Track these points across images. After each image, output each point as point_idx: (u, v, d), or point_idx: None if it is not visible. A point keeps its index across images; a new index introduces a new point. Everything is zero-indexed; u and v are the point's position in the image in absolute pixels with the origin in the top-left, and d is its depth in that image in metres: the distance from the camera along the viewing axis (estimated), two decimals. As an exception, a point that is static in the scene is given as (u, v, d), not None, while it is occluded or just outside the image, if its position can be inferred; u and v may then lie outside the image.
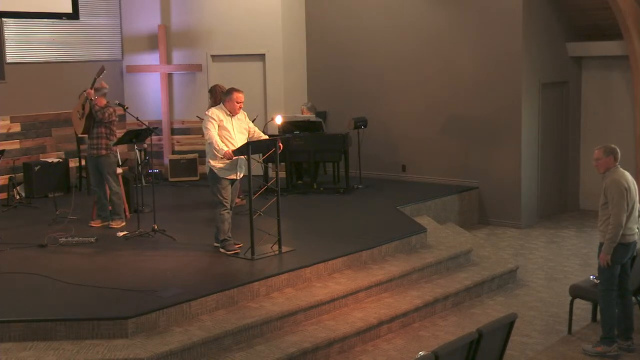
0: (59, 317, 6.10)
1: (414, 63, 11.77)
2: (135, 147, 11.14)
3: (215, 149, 7.62)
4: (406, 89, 11.89)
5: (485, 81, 11.08)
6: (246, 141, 7.65)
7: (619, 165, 6.53)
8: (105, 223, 9.15)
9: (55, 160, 11.20)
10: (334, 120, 12.50)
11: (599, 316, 6.93)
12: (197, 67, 12.37)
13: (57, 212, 9.46)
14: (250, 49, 12.39)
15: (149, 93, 12.50)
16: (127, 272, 7.35)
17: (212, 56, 12.42)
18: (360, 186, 11.32)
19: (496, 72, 10.97)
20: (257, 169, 9.66)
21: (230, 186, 7.85)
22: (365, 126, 11.37)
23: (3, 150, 9.30)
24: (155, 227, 8.53)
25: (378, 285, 7.57)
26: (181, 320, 6.40)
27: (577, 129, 11.88)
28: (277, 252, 7.79)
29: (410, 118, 11.89)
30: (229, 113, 7.75)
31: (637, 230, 6.56)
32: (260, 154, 7.96)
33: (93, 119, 8.86)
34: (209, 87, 10.04)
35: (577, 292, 7.16)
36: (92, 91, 8.86)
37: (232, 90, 7.79)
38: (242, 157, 7.65)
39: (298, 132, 10.97)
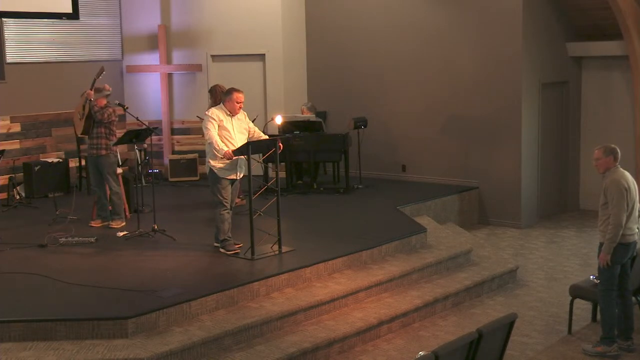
0: (59, 317, 6.10)
1: (414, 63, 11.77)
2: (135, 147, 11.14)
3: (215, 149, 7.62)
4: (406, 89, 11.90)
5: (485, 81, 11.08)
6: (246, 141, 7.65)
7: (619, 165, 6.53)
8: (105, 223, 9.15)
9: (55, 160, 11.20)
10: (334, 120, 12.50)
11: (599, 316, 6.93)
12: (197, 67, 12.37)
13: (57, 212, 9.46)
14: (250, 49, 12.39)
15: (149, 93, 12.50)
16: (127, 272, 7.35)
17: (212, 56, 12.42)
18: (360, 186, 11.32)
19: (496, 72, 10.97)
20: (257, 169, 9.66)
21: (230, 186, 7.85)
22: (365, 126, 11.37)
23: (3, 150, 9.30)
24: (155, 227, 8.53)
25: (378, 285, 7.57)
26: (181, 320, 6.40)
27: (577, 129, 11.88)
28: (277, 252, 7.79)
29: (410, 118, 11.89)
30: (229, 113, 7.75)
31: (637, 230, 6.56)
32: (260, 154, 7.96)
33: (93, 120, 8.86)
34: (209, 87, 10.04)
35: (577, 292, 7.16)
36: (92, 92, 8.86)
37: (232, 90, 7.79)
38: (242, 157, 7.65)
39: (298, 132, 10.97)
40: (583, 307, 7.56)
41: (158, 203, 9.08)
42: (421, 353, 4.90)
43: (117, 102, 9.36)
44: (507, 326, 5.27)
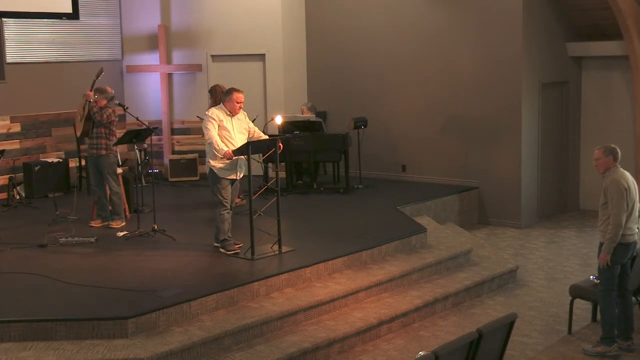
0: (59, 317, 6.10)
1: (414, 63, 11.77)
2: (135, 147, 11.14)
3: (215, 149, 7.62)
4: (406, 89, 11.90)
5: (485, 81, 11.08)
6: (246, 141, 7.65)
7: (619, 165, 6.53)
8: (105, 223, 9.15)
9: (55, 160, 11.20)
10: (334, 120, 12.50)
11: (599, 316, 6.93)
12: (197, 67, 12.37)
13: (57, 212, 9.46)
14: (250, 49, 12.39)
15: (149, 93, 12.50)
16: (127, 272, 7.35)
17: (212, 56, 12.42)
18: (360, 186, 11.32)
19: (496, 72, 10.97)
20: (257, 169, 9.66)
21: (230, 186, 7.85)
22: (365, 126, 11.37)
23: (3, 150, 9.30)
24: (155, 227, 8.53)
25: (378, 285, 7.57)
26: (181, 320, 6.40)
27: (577, 129, 11.88)
28: (277, 252, 7.79)
29: (410, 118, 11.89)
30: (229, 113, 7.75)
31: (637, 230, 6.56)
32: (260, 154, 7.96)
33: (92, 121, 8.86)
34: (209, 87, 10.04)
35: (577, 292, 7.16)
36: (91, 93, 8.86)
37: (232, 90, 7.79)
38: (242, 157, 7.65)
39: (298, 132, 10.97)
40: (583, 307, 7.56)
41: (158, 203, 9.08)
42: (421, 353, 4.90)
43: (117, 102, 9.35)
44: (507, 326, 5.27)
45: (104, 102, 8.95)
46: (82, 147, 10.94)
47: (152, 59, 12.37)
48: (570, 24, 11.47)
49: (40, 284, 6.96)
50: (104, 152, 8.90)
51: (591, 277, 7.15)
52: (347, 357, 6.61)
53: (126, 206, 9.50)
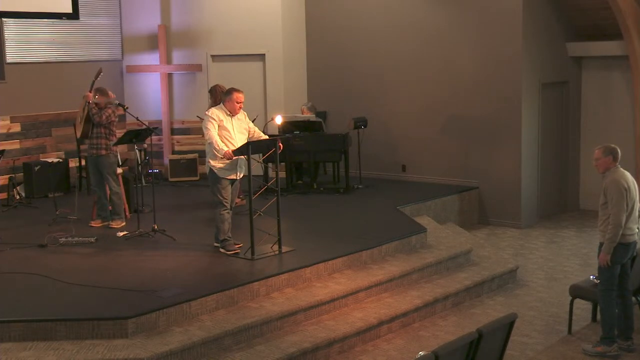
0: (59, 317, 6.10)
1: (414, 63, 11.77)
2: (135, 147, 11.14)
3: (215, 149, 7.62)
4: (406, 89, 11.90)
5: (485, 81, 11.08)
6: (246, 141, 7.65)
7: (619, 165, 6.53)
8: (105, 223, 9.15)
9: (55, 160, 11.20)
10: (334, 120, 12.50)
11: (599, 316, 6.93)
12: (197, 67, 12.37)
13: (57, 212, 9.46)
14: (250, 49, 12.40)
15: (149, 93, 12.50)
16: (127, 272, 7.35)
17: (212, 56, 12.42)
18: (360, 186, 11.32)
19: (496, 72, 10.97)
20: (257, 169, 9.66)
21: (230, 186, 7.85)
22: (365, 126, 11.37)
23: (3, 150, 9.30)
24: (155, 227, 8.53)
25: (378, 285, 7.57)
26: (181, 320, 6.40)
27: (577, 129, 11.88)
28: (277, 252, 7.79)
29: (410, 118, 11.89)
30: (229, 113, 7.75)
31: (637, 230, 6.56)
32: (260, 154, 7.96)
33: (92, 123, 8.85)
34: (209, 87, 10.04)
35: (577, 292, 7.16)
36: (90, 94, 8.85)
37: (232, 90, 7.79)
38: (242, 157, 7.65)
39: (298, 132, 10.97)
40: (583, 307, 7.56)
41: (158, 203, 9.07)
42: (421, 353, 4.90)
43: (117, 102, 9.34)
44: (507, 326, 5.27)
45: (104, 100, 8.94)
46: (82, 147, 10.94)
47: (152, 59, 12.37)
48: (570, 24, 11.47)
49: (40, 284, 6.96)
50: (104, 152, 8.89)
51: (591, 277, 7.15)
52: (347, 357, 6.61)
53: (126, 206, 9.50)
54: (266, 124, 10.79)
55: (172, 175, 12.16)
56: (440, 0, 11.41)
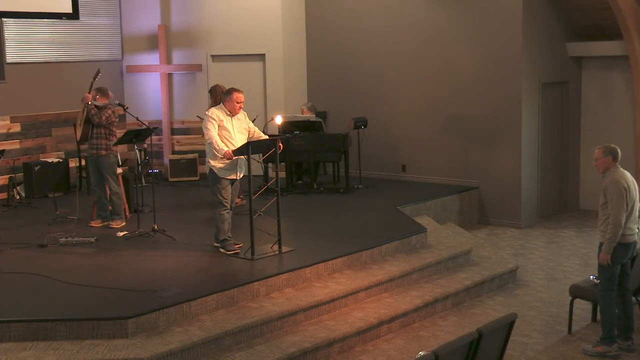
0: (59, 317, 6.10)
1: (414, 63, 11.77)
2: (135, 147, 11.14)
3: (215, 149, 7.62)
4: (406, 89, 11.89)
5: (485, 81, 11.08)
6: (246, 141, 7.65)
7: (619, 165, 6.53)
8: (105, 223, 9.15)
9: (55, 160, 11.20)
10: (334, 120, 12.50)
11: (599, 316, 6.93)
12: (197, 67, 12.37)
13: (57, 212, 9.46)
14: (250, 49, 12.40)
15: (149, 93, 12.50)
16: (127, 272, 7.35)
17: (212, 56, 12.42)
18: (360, 186, 11.32)
19: (496, 72, 10.97)
20: (257, 169, 9.66)
21: (230, 186, 7.85)
22: (365, 126, 11.37)
23: (3, 150, 9.30)
24: (155, 227, 8.53)
25: (378, 285, 7.57)
26: (181, 320, 6.40)
27: (577, 129, 11.88)
28: (277, 252, 7.79)
29: (410, 118, 11.89)
30: (229, 113, 7.75)
31: (637, 230, 6.56)
32: (260, 154, 7.96)
33: (91, 124, 8.85)
34: (209, 87, 10.04)
35: (577, 292, 7.16)
36: (90, 96, 8.85)
37: (232, 90, 7.79)
38: (242, 157, 7.65)
39: (298, 132, 10.97)
40: (583, 307, 7.56)
41: (158, 203, 9.08)
42: (421, 353, 4.89)
43: (117, 102, 9.35)
44: (507, 326, 5.27)
45: (106, 100, 8.94)
46: (82, 147, 10.93)
47: (152, 59, 12.37)
48: (570, 24, 11.47)
49: (40, 284, 6.96)
50: (103, 152, 8.89)
51: (591, 277, 7.15)
52: (347, 357, 6.61)
53: (126, 206, 9.50)
54: (266, 124, 10.79)
55: (172, 175, 12.16)
56: (440, 0, 11.41)
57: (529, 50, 10.83)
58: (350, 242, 8.21)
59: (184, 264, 7.56)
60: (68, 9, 11.33)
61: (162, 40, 12.28)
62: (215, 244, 8.04)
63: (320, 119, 11.29)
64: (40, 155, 11.35)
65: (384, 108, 12.10)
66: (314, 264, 7.48)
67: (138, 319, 6.12)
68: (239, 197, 9.45)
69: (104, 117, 8.79)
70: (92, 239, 8.43)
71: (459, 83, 11.34)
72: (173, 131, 12.58)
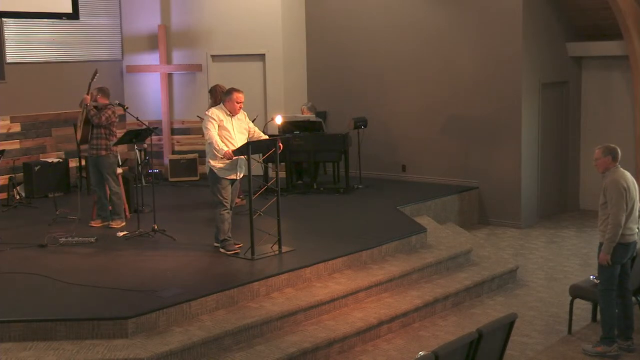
0: (59, 317, 6.10)
1: (414, 63, 11.77)
2: (135, 147, 11.14)
3: (215, 149, 7.62)
4: (406, 89, 11.89)
5: (485, 81, 11.08)
6: (246, 141, 7.65)
7: (619, 165, 6.53)
8: (105, 223, 9.15)
9: (55, 160, 11.20)
10: (334, 120, 12.50)
11: (599, 316, 6.94)
12: (197, 67, 12.37)
13: (57, 212, 9.46)
14: (250, 49, 12.40)
15: (149, 93, 12.50)
16: (127, 272, 7.35)
17: (212, 56, 12.42)
18: (360, 186, 11.32)
19: (496, 72, 10.97)
20: (257, 169, 9.66)
21: (230, 186, 7.85)
22: (365, 126, 11.37)
23: (3, 150, 9.29)
24: (155, 227, 8.53)
25: (378, 285, 7.57)
26: (181, 320, 6.40)
27: (577, 129, 11.88)
28: (277, 252, 7.79)
29: (410, 118, 11.89)
30: (229, 113, 7.75)
31: (637, 230, 6.56)
32: (260, 154, 7.96)
33: (91, 125, 8.84)
34: (209, 87, 10.04)
35: (577, 292, 7.16)
36: (88, 97, 8.84)
37: (232, 90, 7.79)
38: (242, 157, 7.65)
39: (298, 132, 10.97)
40: (583, 307, 7.56)
41: (158, 203, 9.08)
42: (421, 353, 4.89)
43: (117, 102, 9.34)
44: (507, 326, 5.27)
45: (106, 100, 8.94)
46: (83, 147, 10.93)
47: (152, 59, 12.37)
48: (570, 24, 11.47)
49: (40, 284, 6.96)
50: (104, 152, 8.89)
51: (591, 277, 7.15)
52: (347, 357, 6.61)
53: (126, 206, 9.50)
54: (266, 124, 10.79)
55: (172, 175, 12.16)
56: (440, 0, 11.41)
57: (529, 50, 10.83)
58: (350, 242, 8.22)
59: (184, 264, 7.56)
60: (68, 9, 11.33)
61: (162, 40, 12.28)
62: (215, 244, 8.04)
63: (320, 119, 11.29)
64: (40, 155, 11.35)
65: (384, 108, 12.10)
66: (314, 264, 7.48)
67: (138, 319, 6.12)
68: (239, 197, 9.45)
69: (103, 118, 8.78)
70: (92, 239, 8.43)
71: (459, 83, 11.34)
72: (173, 131, 12.58)
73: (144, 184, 10.94)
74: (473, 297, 8.10)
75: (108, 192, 9.09)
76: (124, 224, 9.10)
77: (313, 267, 7.46)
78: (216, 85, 9.43)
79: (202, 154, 10.93)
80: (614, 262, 6.48)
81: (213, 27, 12.34)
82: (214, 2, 12.32)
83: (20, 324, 6.05)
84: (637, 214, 6.56)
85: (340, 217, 9.52)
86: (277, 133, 10.61)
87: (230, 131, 7.72)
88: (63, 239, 8.38)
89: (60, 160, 11.26)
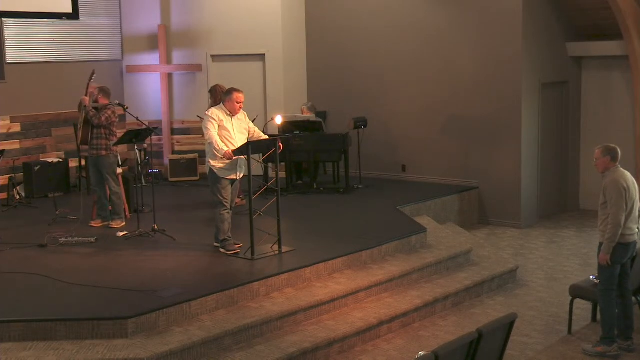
0: (59, 317, 6.10)
1: (414, 63, 11.77)
2: (135, 147, 11.14)
3: (215, 149, 7.62)
4: (406, 89, 11.89)
5: (485, 81, 11.08)
6: (246, 141, 7.65)
7: (619, 165, 6.53)
8: (105, 223, 9.15)
9: (55, 160, 11.20)
10: (334, 120, 12.50)
11: (599, 316, 6.94)
12: (197, 67, 12.37)
13: (57, 212, 9.46)
14: (250, 49, 12.39)
15: (149, 93, 12.50)
16: (127, 272, 7.35)
17: (212, 56, 12.42)
18: (360, 186, 11.32)
19: (496, 72, 10.97)
20: (257, 169, 9.66)
21: (230, 186, 7.85)
22: (365, 126, 11.37)
23: (3, 150, 9.29)
24: (155, 227, 8.53)
25: (378, 285, 7.57)
26: (181, 320, 6.40)
27: (577, 129, 11.88)
28: (277, 252, 7.79)
29: (410, 118, 11.89)
30: (229, 113, 7.75)
31: (636, 230, 6.56)
32: (260, 154, 7.96)
33: (90, 126, 8.84)
34: (209, 87, 10.04)
35: (577, 292, 7.16)
36: (87, 98, 8.84)
37: (232, 90, 7.79)
38: (242, 157, 7.65)
39: (298, 132, 10.97)
40: (583, 307, 7.56)
41: (158, 203, 9.07)
42: (421, 353, 4.89)
43: (117, 102, 9.34)
44: (507, 326, 5.27)
45: (106, 100, 8.93)
46: (83, 147, 10.93)
47: (152, 59, 12.37)
48: (570, 24, 11.47)
49: (40, 284, 6.96)
50: (104, 152, 8.89)
51: (591, 277, 7.15)
52: (347, 357, 6.61)
53: (126, 206, 9.50)
54: (266, 124, 10.79)
55: (172, 175, 12.16)
56: (440, 0, 11.41)
57: (529, 50, 10.83)
58: (350, 242, 8.22)
59: (184, 264, 7.56)
60: (68, 9, 11.33)
61: (162, 40, 12.28)
62: (215, 244, 8.04)
63: (320, 119, 11.29)
64: (40, 155, 11.35)
65: (384, 108, 12.10)
66: (314, 264, 7.49)
67: (138, 319, 6.12)
68: (239, 197, 9.45)
69: (103, 118, 8.78)
70: (92, 239, 8.43)
71: (459, 83, 11.34)
72: (173, 131, 12.58)
73: (144, 184, 10.93)
74: (473, 297, 8.10)
75: (108, 192, 9.09)
76: (124, 224, 9.10)
77: (313, 267, 7.46)
78: (216, 85, 9.44)
79: (202, 154, 10.93)
80: (613, 262, 6.48)
81: (213, 27, 12.34)
82: (214, 2, 12.32)
83: (20, 324, 6.05)
84: (637, 213, 6.56)
85: (340, 217, 9.52)
86: (277, 133, 10.61)
87: (230, 131, 7.72)
88: (63, 239, 8.38)
89: (60, 160, 11.26)
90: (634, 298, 6.84)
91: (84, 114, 8.84)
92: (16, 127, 11.13)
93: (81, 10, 11.54)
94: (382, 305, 7.32)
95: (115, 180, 9.06)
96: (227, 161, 7.64)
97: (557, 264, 9.30)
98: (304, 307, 6.87)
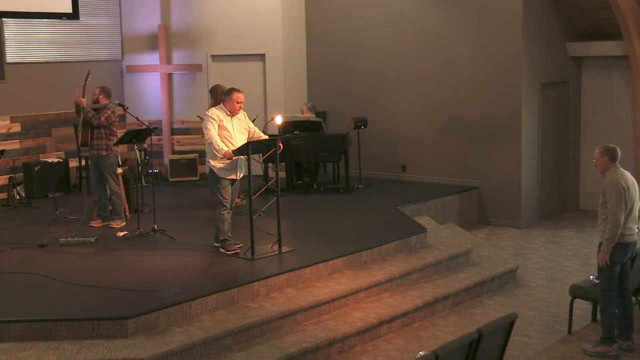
0: (59, 317, 6.10)
1: (414, 63, 11.77)
2: (135, 147, 11.13)
3: (215, 149, 7.62)
4: (406, 89, 11.89)
5: (485, 81, 11.08)
6: (246, 141, 7.65)
7: (619, 165, 6.53)
8: (106, 223, 9.15)
9: (55, 160, 11.20)
10: (334, 120, 12.50)
11: (599, 316, 6.94)
12: (197, 67, 12.37)
13: (57, 212, 9.46)
14: (250, 49, 12.39)
15: (149, 93, 12.50)
16: (127, 272, 7.35)
17: (212, 56, 12.42)
18: (360, 186, 11.32)
19: (496, 72, 10.97)
20: (257, 169, 9.66)
21: (230, 186, 7.85)
22: (365, 126, 11.37)
23: (3, 150, 9.29)
24: (155, 227, 8.53)
25: (378, 285, 7.57)
26: (181, 320, 6.40)
27: (577, 129, 11.88)
28: (277, 252, 7.79)
29: (410, 118, 11.89)
30: (229, 113, 7.75)
31: (636, 230, 6.56)
32: (260, 154, 7.96)
33: (89, 126, 8.83)
34: (209, 87, 10.04)
35: (577, 292, 7.16)
36: (84, 99, 8.83)
37: (232, 90, 7.79)
38: (242, 157, 7.66)
39: (298, 132, 10.97)
40: (583, 307, 7.56)
41: (158, 203, 9.07)
42: (421, 353, 4.90)
43: (117, 102, 9.34)
44: (507, 326, 5.27)
45: (107, 100, 8.93)
46: (83, 148, 10.93)
47: (152, 59, 12.37)
48: (570, 24, 11.47)
49: (40, 284, 6.96)
50: (104, 152, 8.89)
51: (591, 277, 7.15)
52: (347, 357, 6.61)
53: (126, 206, 9.49)
54: (266, 124, 10.79)
55: (172, 175, 12.16)
56: (440, 0, 11.41)
57: (529, 50, 10.83)
58: (350, 242, 8.22)
59: (184, 264, 7.56)
60: (68, 9, 11.33)
61: (162, 40, 12.28)
62: (215, 244, 8.04)
63: (320, 119, 11.29)
64: (40, 155, 11.35)
65: (384, 108, 12.10)
66: (314, 264, 7.49)
67: (138, 319, 6.12)
68: (239, 197, 9.45)
69: (103, 118, 8.78)
70: (92, 239, 8.43)
71: (459, 83, 11.34)
72: (173, 131, 12.58)
73: (144, 184, 10.93)
74: (473, 297, 8.10)
75: (108, 192, 9.09)
76: (124, 224, 9.10)
77: (313, 267, 7.47)
78: (216, 85, 9.43)
79: (202, 154, 10.93)
80: (613, 262, 6.48)
81: (213, 27, 12.34)
82: (214, 2, 12.32)
83: (20, 324, 6.05)
84: (636, 213, 6.56)
85: (340, 217, 9.52)
86: (277, 133, 10.61)
87: (230, 131, 7.72)
88: (63, 239, 8.38)
89: (60, 160, 11.25)
90: (634, 298, 6.84)
91: (82, 116, 8.83)
92: (16, 127, 11.13)
93: (81, 10, 11.54)
94: (382, 305, 7.32)
95: (116, 180, 9.06)
96: (227, 161, 7.64)
97: (557, 264, 9.30)
98: (304, 307, 6.87)
